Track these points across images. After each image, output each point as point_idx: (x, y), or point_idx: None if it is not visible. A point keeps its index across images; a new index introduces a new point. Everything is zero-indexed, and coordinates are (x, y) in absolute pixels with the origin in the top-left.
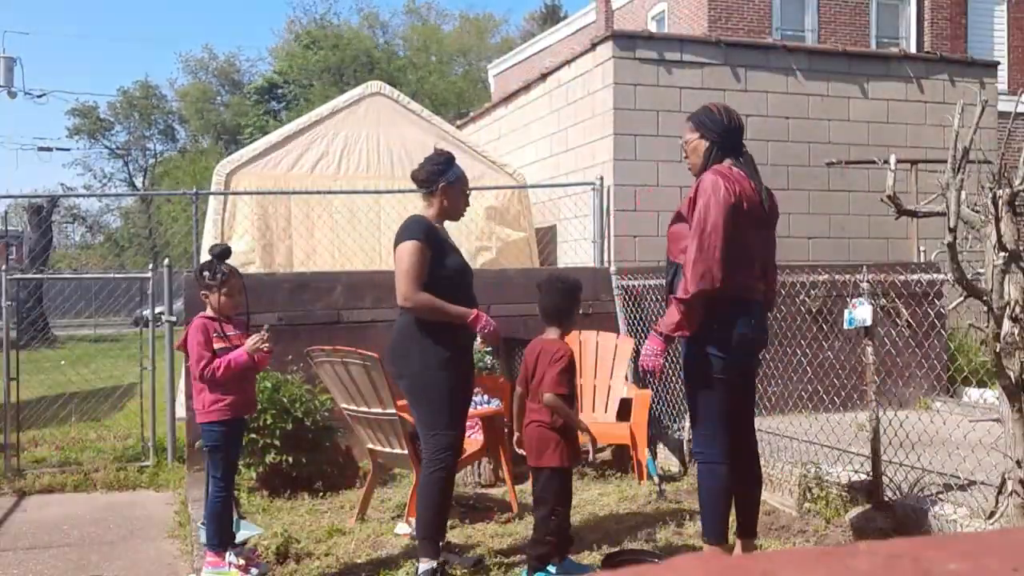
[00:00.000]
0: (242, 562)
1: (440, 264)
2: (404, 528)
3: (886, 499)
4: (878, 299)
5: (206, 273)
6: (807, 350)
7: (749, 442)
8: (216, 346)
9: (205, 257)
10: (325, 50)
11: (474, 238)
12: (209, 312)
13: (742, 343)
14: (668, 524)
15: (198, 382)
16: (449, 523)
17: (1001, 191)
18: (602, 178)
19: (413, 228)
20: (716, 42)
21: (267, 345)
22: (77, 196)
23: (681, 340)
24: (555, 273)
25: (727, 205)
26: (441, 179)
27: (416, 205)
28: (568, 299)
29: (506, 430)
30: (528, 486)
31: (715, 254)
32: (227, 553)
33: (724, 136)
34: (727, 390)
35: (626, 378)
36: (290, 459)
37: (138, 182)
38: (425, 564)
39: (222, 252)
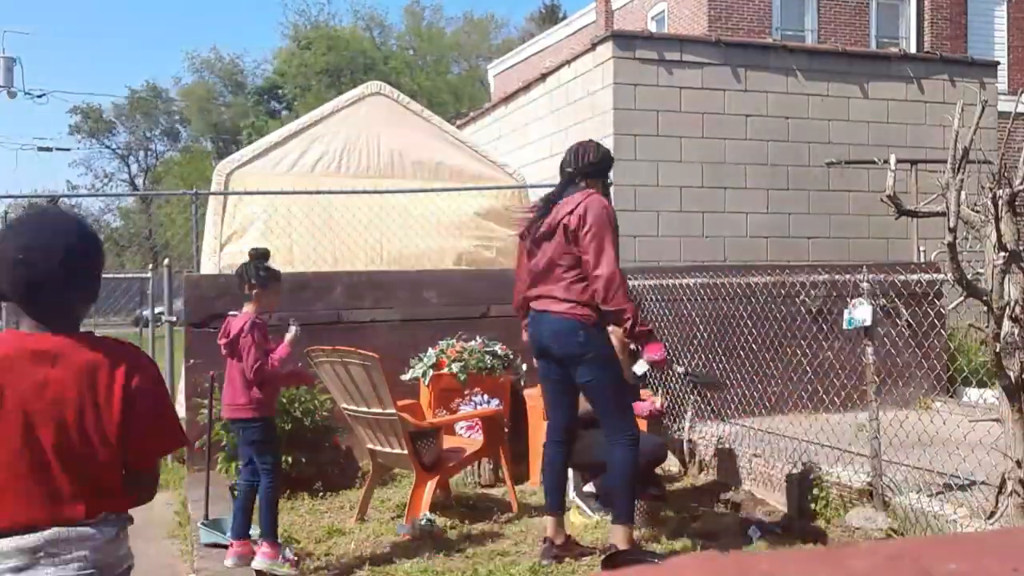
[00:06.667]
0: (295, 558)
1: None
2: (404, 528)
3: (886, 499)
4: (878, 299)
5: (262, 272)
6: (807, 350)
7: None
8: (267, 347)
9: (206, 258)
10: (321, 51)
11: (473, 238)
12: (250, 309)
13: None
14: (668, 524)
15: (254, 379)
16: (448, 523)
17: (1001, 191)
18: None
19: None
20: (716, 42)
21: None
22: (77, 196)
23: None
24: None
25: None
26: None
27: (417, 204)
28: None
29: (506, 430)
30: (528, 486)
31: None
32: (284, 548)
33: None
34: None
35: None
36: (290, 459)
37: (139, 182)
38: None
39: (264, 253)
